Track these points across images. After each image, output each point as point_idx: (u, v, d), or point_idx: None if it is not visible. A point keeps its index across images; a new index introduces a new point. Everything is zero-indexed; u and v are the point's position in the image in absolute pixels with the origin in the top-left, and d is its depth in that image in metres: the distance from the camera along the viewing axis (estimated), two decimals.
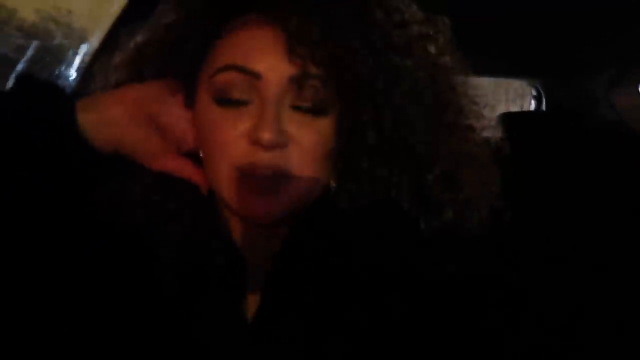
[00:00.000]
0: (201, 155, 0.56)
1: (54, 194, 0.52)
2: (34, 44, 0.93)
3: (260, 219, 0.52)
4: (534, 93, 1.94)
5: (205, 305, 0.55)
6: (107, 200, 0.55)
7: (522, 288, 0.57)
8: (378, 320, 0.51)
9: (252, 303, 0.55)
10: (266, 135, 0.48)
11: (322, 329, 0.52)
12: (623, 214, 1.25)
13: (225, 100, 0.52)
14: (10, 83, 0.61)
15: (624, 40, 1.40)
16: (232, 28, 0.53)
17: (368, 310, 0.52)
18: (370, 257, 0.52)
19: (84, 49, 0.92)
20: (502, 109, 1.83)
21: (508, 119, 1.70)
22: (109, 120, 0.52)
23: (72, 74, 0.93)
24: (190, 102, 0.56)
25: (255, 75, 0.50)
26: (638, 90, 1.68)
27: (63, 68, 0.93)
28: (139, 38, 0.57)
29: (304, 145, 0.51)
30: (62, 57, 0.93)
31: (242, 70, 0.50)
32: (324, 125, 0.51)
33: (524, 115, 1.94)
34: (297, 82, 0.50)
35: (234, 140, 0.51)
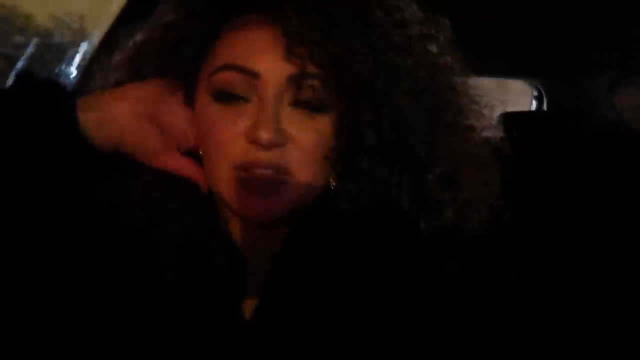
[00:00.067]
0: (201, 154, 0.56)
1: (54, 192, 0.52)
2: (34, 41, 0.93)
3: (259, 218, 0.52)
4: (535, 93, 1.94)
5: (204, 305, 0.55)
6: (107, 199, 0.55)
7: (522, 288, 0.56)
8: (378, 320, 0.51)
9: (252, 303, 0.55)
10: (265, 135, 0.48)
11: (322, 329, 0.52)
12: (623, 214, 1.25)
13: (224, 99, 0.52)
14: (10, 81, 0.61)
15: (625, 40, 1.40)
16: (232, 28, 0.53)
17: (368, 310, 0.51)
18: (371, 257, 0.52)
19: (84, 47, 0.92)
20: (502, 109, 1.82)
21: (509, 118, 1.70)
22: (110, 118, 0.52)
23: (73, 72, 0.93)
24: (190, 101, 0.56)
25: (255, 75, 0.50)
26: (639, 91, 1.68)
27: (63, 66, 0.93)
28: (138, 37, 0.57)
29: (302, 145, 0.51)
30: (62, 55, 0.93)
31: (241, 69, 0.50)
32: (323, 124, 0.51)
33: (525, 115, 1.94)
34: (296, 82, 0.50)
35: (233, 139, 0.51)
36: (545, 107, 1.88)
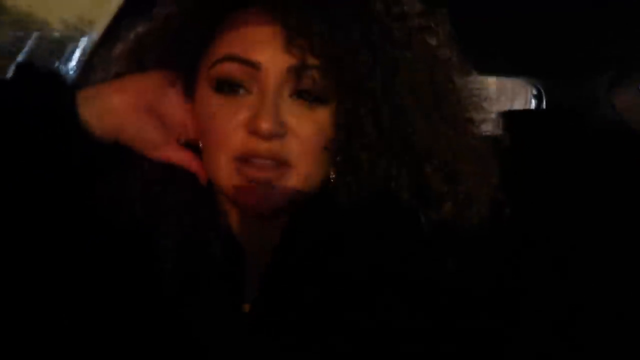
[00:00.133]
0: (200, 146, 0.56)
1: (54, 184, 0.52)
2: (34, 36, 0.93)
3: (259, 209, 0.52)
4: (535, 92, 1.94)
5: (203, 297, 0.56)
6: (107, 191, 0.56)
7: (521, 287, 0.57)
8: (377, 313, 0.51)
9: (251, 294, 0.55)
10: (265, 125, 0.48)
11: (321, 322, 0.52)
12: (622, 214, 1.25)
13: (224, 90, 0.52)
14: (9, 74, 0.61)
15: (625, 40, 1.40)
16: (232, 19, 0.53)
17: (367, 303, 0.52)
18: (370, 250, 0.52)
19: (84, 42, 0.92)
20: (502, 107, 1.83)
21: (508, 117, 1.70)
22: (110, 109, 0.52)
23: (72, 66, 0.93)
24: (190, 93, 0.56)
25: (255, 66, 0.50)
26: (638, 90, 1.69)
27: (63, 61, 0.93)
28: (140, 28, 0.57)
29: (302, 136, 0.51)
30: (61, 49, 0.93)
31: (241, 60, 0.50)
32: (323, 116, 0.51)
33: (525, 113, 1.94)
34: (296, 73, 0.50)
35: (233, 130, 0.51)
36: (544, 106, 1.88)
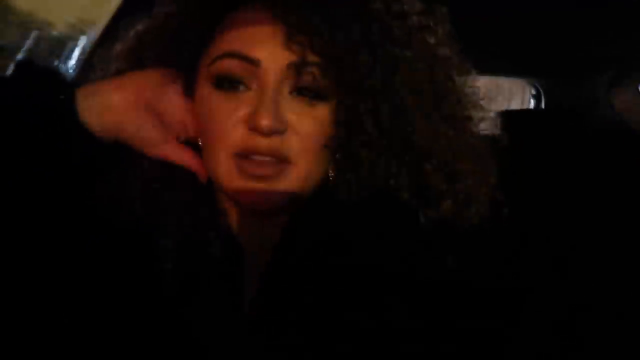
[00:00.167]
0: (200, 143, 0.56)
1: (53, 181, 0.52)
2: (33, 34, 0.93)
3: (258, 206, 0.52)
4: (534, 92, 1.95)
5: (203, 296, 0.56)
6: (106, 189, 0.56)
7: (520, 286, 0.56)
8: (377, 313, 0.51)
9: (251, 293, 0.55)
10: (264, 122, 0.48)
11: (321, 320, 0.52)
12: (622, 213, 1.25)
13: (224, 87, 0.52)
14: (9, 72, 0.61)
15: (624, 40, 1.40)
16: (232, 18, 0.53)
17: (367, 302, 0.51)
18: (369, 249, 0.52)
19: (83, 40, 0.92)
20: (501, 107, 1.83)
21: (508, 117, 1.70)
22: (109, 107, 0.52)
23: (72, 65, 0.93)
24: (189, 91, 0.56)
25: (254, 63, 0.50)
26: (638, 90, 1.69)
27: (62, 59, 0.93)
28: (140, 26, 0.57)
29: (302, 133, 0.51)
30: (61, 48, 0.93)
31: (241, 57, 0.50)
32: (323, 113, 0.51)
33: (524, 113, 1.94)
34: (296, 70, 0.50)
35: (233, 126, 0.51)
36: (543, 106, 1.88)
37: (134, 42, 0.58)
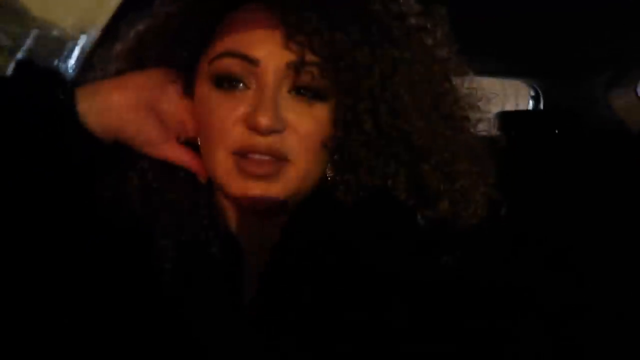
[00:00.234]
0: (199, 143, 0.56)
1: (53, 181, 0.52)
2: (33, 33, 0.93)
3: (257, 205, 0.53)
4: (532, 93, 1.95)
5: (202, 295, 0.56)
6: (106, 189, 0.56)
7: (519, 286, 0.57)
8: (375, 312, 0.51)
9: (250, 293, 0.56)
10: (263, 121, 0.49)
11: (319, 321, 0.52)
12: (620, 213, 1.26)
13: (224, 85, 0.52)
14: (9, 72, 0.61)
15: (622, 41, 1.40)
16: (232, 17, 0.54)
17: (366, 302, 0.52)
18: (368, 249, 0.52)
19: (83, 40, 0.93)
20: (500, 108, 1.83)
21: (506, 118, 1.71)
22: (109, 107, 0.52)
23: (71, 65, 0.93)
24: (189, 91, 0.56)
25: (254, 62, 0.50)
26: (635, 91, 1.69)
27: (62, 59, 0.93)
28: (140, 26, 0.57)
29: (301, 132, 0.51)
30: (61, 48, 0.93)
31: (241, 56, 0.51)
32: (322, 113, 0.52)
33: (522, 114, 1.95)
34: (295, 69, 0.50)
35: (232, 125, 0.51)
36: (542, 106, 1.89)
37: (134, 42, 0.58)
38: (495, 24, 1.27)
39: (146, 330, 0.53)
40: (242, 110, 0.51)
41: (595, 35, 1.34)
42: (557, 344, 0.55)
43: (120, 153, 0.55)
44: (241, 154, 0.51)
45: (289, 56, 0.50)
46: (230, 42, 0.52)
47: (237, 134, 0.51)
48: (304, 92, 0.51)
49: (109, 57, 0.60)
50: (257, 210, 0.54)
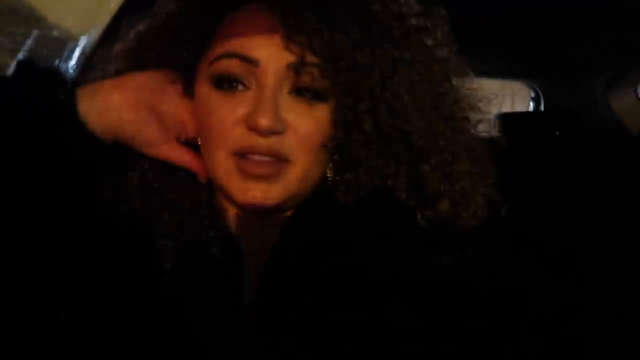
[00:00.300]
0: (199, 143, 0.56)
1: (53, 181, 0.52)
2: (34, 34, 0.93)
3: (257, 205, 0.53)
4: (532, 94, 1.95)
5: (202, 296, 0.56)
6: (106, 189, 0.56)
7: (518, 287, 0.57)
8: (375, 312, 0.51)
9: (250, 293, 0.56)
10: (264, 121, 0.49)
11: (319, 321, 0.52)
12: (620, 214, 1.26)
13: (224, 86, 0.52)
14: (10, 72, 0.61)
15: (622, 42, 1.40)
16: (232, 18, 0.54)
17: (365, 302, 0.52)
18: (368, 248, 0.52)
19: (83, 40, 0.93)
20: (500, 109, 1.84)
21: (507, 119, 1.71)
22: (109, 107, 0.52)
23: (72, 65, 0.93)
24: (189, 92, 0.56)
25: (254, 63, 0.50)
26: (635, 92, 1.69)
27: (63, 59, 0.93)
28: (140, 27, 0.58)
29: (301, 133, 0.51)
30: (61, 48, 0.93)
31: (241, 57, 0.51)
32: (322, 113, 0.52)
33: (522, 115, 1.95)
34: (295, 70, 0.50)
35: (232, 125, 0.51)
36: (542, 107, 1.89)
37: (134, 43, 0.58)
38: (495, 25, 1.27)
39: (146, 330, 0.53)
40: (242, 111, 0.51)
41: (595, 36, 1.35)
42: (556, 344, 0.55)
43: (120, 153, 0.55)
44: (241, 154, 0.51)
45: (289, 57, 0.50)
46: (230, 42, 0.52)
47: (237, 135, 0.51)
48: (304, 92, 0.52)
49: (109, 57, 0.60)
50: (257, 210, 0.54)
